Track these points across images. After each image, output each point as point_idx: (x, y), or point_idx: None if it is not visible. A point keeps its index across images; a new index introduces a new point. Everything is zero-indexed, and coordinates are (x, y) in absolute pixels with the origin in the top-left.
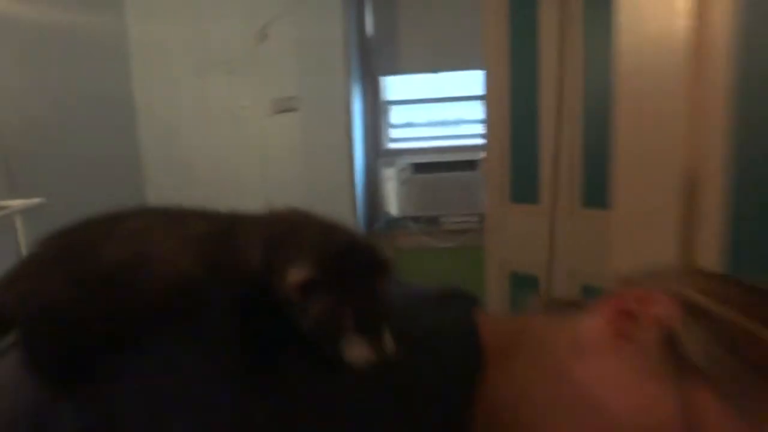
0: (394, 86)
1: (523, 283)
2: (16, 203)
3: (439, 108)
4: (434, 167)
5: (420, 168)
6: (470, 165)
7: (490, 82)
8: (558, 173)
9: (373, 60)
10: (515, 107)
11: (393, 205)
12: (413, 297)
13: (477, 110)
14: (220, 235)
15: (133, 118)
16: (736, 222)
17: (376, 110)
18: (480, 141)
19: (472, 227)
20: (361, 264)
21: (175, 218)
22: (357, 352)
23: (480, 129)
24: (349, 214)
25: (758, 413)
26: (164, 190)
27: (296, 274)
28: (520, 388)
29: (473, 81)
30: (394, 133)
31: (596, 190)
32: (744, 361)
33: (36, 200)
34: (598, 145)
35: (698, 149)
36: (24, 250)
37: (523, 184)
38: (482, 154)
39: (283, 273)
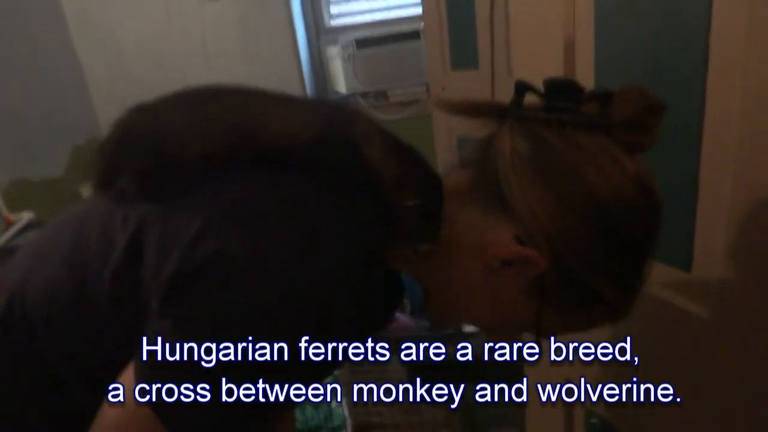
0: None
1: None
2: None
3: None
4: (378, 41)
5: (363, 43)
6: (413, 35)
7: None
8: (494, 38)
9: None
10: None
11: (341, 83)
12: None
13: None
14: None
15: (64, 21)
16: (600, 72)
17: None
18: (420, 10)
19: (420, 97)
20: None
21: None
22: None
23: None
24: (299, 96)
25: (574, 320)
26: (107, 87)
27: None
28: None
29: None
30: (334, 9)
31: None
32: (560, 302)
33: None
34: None
35: (573, 19)
36: None
37: (463, 51)
38: (422, 24)
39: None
